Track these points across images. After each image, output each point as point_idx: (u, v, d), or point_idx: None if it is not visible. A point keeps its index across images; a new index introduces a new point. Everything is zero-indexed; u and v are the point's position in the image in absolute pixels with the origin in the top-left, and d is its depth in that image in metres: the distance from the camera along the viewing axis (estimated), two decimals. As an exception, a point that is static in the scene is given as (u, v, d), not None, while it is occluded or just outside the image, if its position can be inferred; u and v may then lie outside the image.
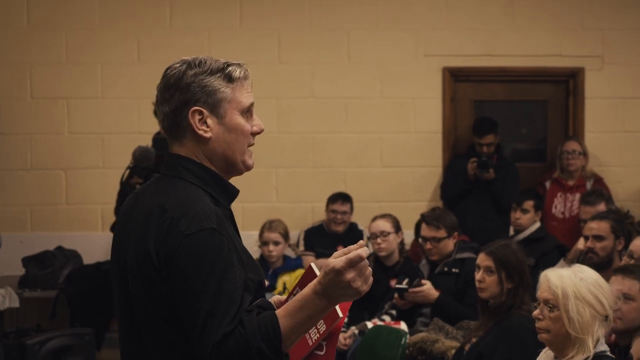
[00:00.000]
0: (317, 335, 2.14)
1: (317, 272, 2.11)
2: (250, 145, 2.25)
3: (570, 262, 4.50)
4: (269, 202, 7.24)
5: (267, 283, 5.81)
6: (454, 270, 5.34)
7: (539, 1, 7.43)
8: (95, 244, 6.87)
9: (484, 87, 7.55)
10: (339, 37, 7.30)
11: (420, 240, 5.86)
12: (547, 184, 7.12)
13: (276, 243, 6.16)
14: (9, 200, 7.08)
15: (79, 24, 7.11)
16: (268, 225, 6.24)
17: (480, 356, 4.14)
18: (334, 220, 6.91)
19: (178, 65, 2.21)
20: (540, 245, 6.12)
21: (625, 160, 7.49)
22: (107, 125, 7.13)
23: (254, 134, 2.26)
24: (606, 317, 3.22)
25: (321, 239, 6.85)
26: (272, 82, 7.07)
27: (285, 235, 6.23)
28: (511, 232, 6.58)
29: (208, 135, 2.20)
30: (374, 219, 5.92)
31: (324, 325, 2.12)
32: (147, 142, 5.86)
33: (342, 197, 6.95)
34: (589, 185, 6.98)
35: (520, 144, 7.76)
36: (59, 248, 6.73)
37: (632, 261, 4.30)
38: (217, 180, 2.22)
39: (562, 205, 6.99)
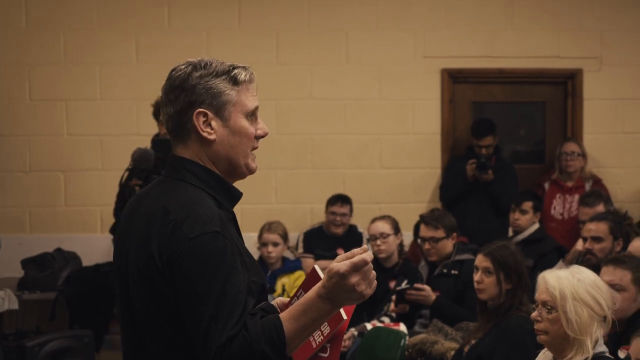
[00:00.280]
0: (321, 337, 2.14)
1: (321, 274, 2.11)
2: (254, 148, 2.25)
3: (569, 263, 4.50)
4: (268, 203, 7.24)
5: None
6: (453, 272, 5.34)
7: (538, 3, 7.43)
8: (94, 246, 6.87)
9: (482, 89, 7.55)
10: (337, 38, 7.30)
11: (419, 241, 5.86)
12: (546, 185, 7.13)
13: (275, 244, 6.18)
14: (8, 201, 7.07)
15: (77, 24, 7.10)
16: (267, 227, 6.26)
17: (479, 357, 4.15)
18: (333, 222, 6.91)
19: (183, 66, 2.21)
20: (539, 247, 6.12)
21: (624, 162, 7.49)
22: (106, 126, 7.12)
23: (258, 138, 2.25)
24: (604, 317, 3.22)
25: (320, 241, 6.84)
26: (271, 83, 7.06)
27: (285, 237, 6.25)
28: (510, 233, 6.59)
29: (212, 137, 2.19)
30: (373, 220, 5.93)
31: (328, 328, 2.12)
32: (146, 143, 5.85)
33: (341, 199, 6.95)
34: (587, 186, 6.99)
35: (519, 146, 7.76)
36: (58, 250, 6.73)
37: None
38: (220, 183, 2.22)
39: (561, 206, 7.00)
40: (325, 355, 2.19)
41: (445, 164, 7.34)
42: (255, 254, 6.11)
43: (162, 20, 7.17)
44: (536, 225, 6.33)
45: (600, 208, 5.98)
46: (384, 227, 5.79)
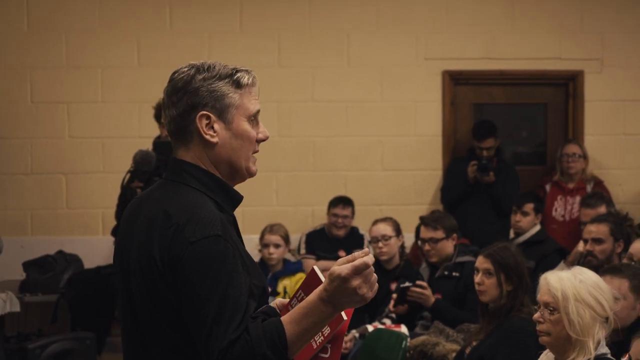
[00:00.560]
0: (322, 338, 2.14)
1: (320, 275, 2.12)
2: (255, 152, 2.25)
3: (571, 265, 4.50)
4: (269, 205, 7.24)
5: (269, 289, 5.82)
6: (454, 274, 5.34)
7: (539, 4, 7.44)
8: (96, 248, 6.87)
9: (483, 90, 7.55)
10: (339, 40, 7.31)
11: (419, 242, 5.86)
12: (547, 187, 7.13)
13: (277, 246, 6.18)
14: (9, 204, 7.08)
15: (79, 27, 7.11)
16: (269, 228, 6.27)
17: (481, 359, 4.15)
18: (335, 224, 6.91)
19: (186, 69, 2.20)
20: (541, 248, 6.12)
21: (626, 163, 7.49)
22: (107, 129, 7.12)
23: (259, 141, 2.25)
24: (606, 318, 3.23)
25: (322, 243, 6.85)
26: (273, 85, 7.06)
27: (286, 239, 6.25)
28: (511, 234, 6.59)
29: (215, 140, 2.19)
30: (375, 222, 5.93)
31: (328, 329, 2.13)
32: (147, 146, 5.86)
33: (343, 201, 6.96)
34: (589, 188, 6.99)
35: (520, 147, 7.76)
36: (60, 252, 6.73)
37: (633, 263, 4.31)
38: (221, 186, 2.22)
39: (562, 208, 6.99)
40: (326, 355, 2.20)
41: (447, 165, 7.34)
42: (256, 257, 6.11)
43: (164, 23, 7.18)
44: (537, 227, 6.33)
45: (602, 209, 5.98)
46: (385, 229, 5.79)
